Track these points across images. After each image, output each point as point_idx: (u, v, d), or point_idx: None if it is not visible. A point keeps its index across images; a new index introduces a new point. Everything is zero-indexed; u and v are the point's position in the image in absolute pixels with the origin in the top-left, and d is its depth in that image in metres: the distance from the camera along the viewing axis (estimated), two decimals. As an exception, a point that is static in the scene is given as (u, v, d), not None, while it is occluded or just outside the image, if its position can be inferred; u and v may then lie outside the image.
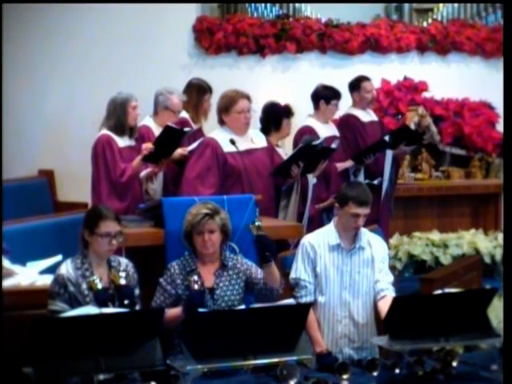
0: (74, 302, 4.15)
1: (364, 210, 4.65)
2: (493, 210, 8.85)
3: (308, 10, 9.15)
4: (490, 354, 4.33)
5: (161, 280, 4.56)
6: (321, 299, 4.70)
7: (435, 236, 8.37)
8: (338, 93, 6.96)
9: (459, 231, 8.53)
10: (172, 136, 6.06)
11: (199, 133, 6.87)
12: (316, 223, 6.24)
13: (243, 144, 5.76)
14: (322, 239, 4.74)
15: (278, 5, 9.06)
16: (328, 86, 7.01)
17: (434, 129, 8.79)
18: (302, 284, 4.71)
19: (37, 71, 8.50)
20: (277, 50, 8.88)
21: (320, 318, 4.70)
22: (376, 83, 7.74)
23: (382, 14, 9.47)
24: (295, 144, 6.72)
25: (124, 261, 4.43)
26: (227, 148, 5.68)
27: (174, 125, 6.23)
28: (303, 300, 4.66)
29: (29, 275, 4.83)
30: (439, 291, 4.54)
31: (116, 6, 8.40)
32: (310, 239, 4.77)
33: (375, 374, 4.13)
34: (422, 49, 9.21)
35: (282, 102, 7.01)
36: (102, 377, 3.71)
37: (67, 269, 4.24)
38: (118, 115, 6.02)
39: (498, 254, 8.05)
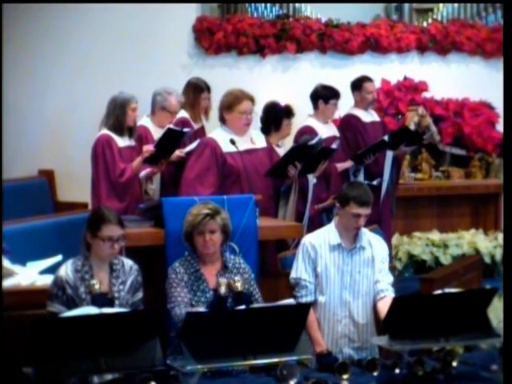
0: (72, 305, 4.14)
1: (365, 210, 4.66)
2: (493, 210, 8.85)
3: (308, 10, 9.15)
4: (489, 354, 4.33)
5: (169, 281, 4.52)
6: (321, 299, 4.70)
7: (435, 236, 8.37)
8: (336, 92, 6.96)
9: (459, 231, 8.53)
10: (172, 137, 6.07)
11: (201, 132, 6.87)
12: (316, 223, 6.24)
13: (243, 144, 5.76)
14: (323, 239, 4.74)
15: (277, 5, 9.06)
16: (326, 86, 7.00)
17: (433, 129, 8.79)
18: (302, 284, 4.71)
19: (37, 71, 8.50)
20: (277, 50, 8.88)
21: (320, 318, 4.70)
22: (376, 83, 7.73)
23: (382, 14, 9.47)
24: (295, 144, 6.73)
25: (128, 263, 4.38)
26: (226, 148, 5.68)
27: (174, 127, 6.24)
28: (303, 300, 4.66)
29: (29, 275, 4.82)
30: (439, 291, 4.53)
31: (116, 6, 8.40)
32: (310, 239, 4.77)
33: (375, 374, 4.13)
34: (421, 49, 9.22)
35: (282, 102, 7.02)
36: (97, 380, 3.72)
37: (66, 271, 4.22)
38: (117, 115, 6.02)
39: (498, 254, 8.05)
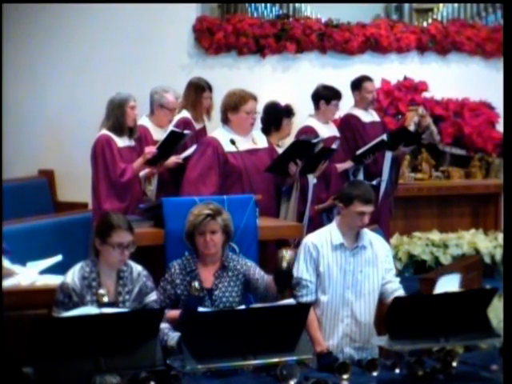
0: None
1: (369, 208, 4.67)
2: (493, 210, 8.85)
3: (308, 9, 9.15)
4: (489, 354, 4.33)
5: (162, 279, 4.57)
6: (323, 298, 4.70)
7: (435, 236, 8.37)
8: (338, 93, 6.96)
9: (459, 231, 8.53)
10: (174, 139, 6.07)
11: (203, 132, 6.87)
12: (316, 224, 6.24)
13: (244, 144, 5.76)
14: (325, 239, 4.74)
15: (277, 5, 9.06)
16: (328, 86, 7.00)
17: (434, 129, 8.79)
18: (303, 283, 4.71)
19: (37, 71, 8.50)
20: (277, 50, 8.88)
21: (322, 318, 4.70)
22: (376, 83, 7.74)
23: (382, 14, 9.48)
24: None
25: (137, 269, 4.33)
26: (228, 147, 5.68)
27: (176, 129, 6.23)
28: (304, 299, 4.66)
29: (29, 275, 4.82)
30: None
31: (116, 6, 8.40)
32: (312, 239, 4.77)
33: (375, 374, 4.13)
34: (422, 49, 9.22)
35: (283, 102, 7.02)
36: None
37: (73, 278, 4.18)
38: (117, 115, 6.01)
39: (498, 254, 8.05)
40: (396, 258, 8.03)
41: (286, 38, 8.86)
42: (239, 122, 5.72)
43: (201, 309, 4.28)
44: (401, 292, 4.71)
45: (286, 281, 4.44)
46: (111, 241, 4.17)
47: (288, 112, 6.78)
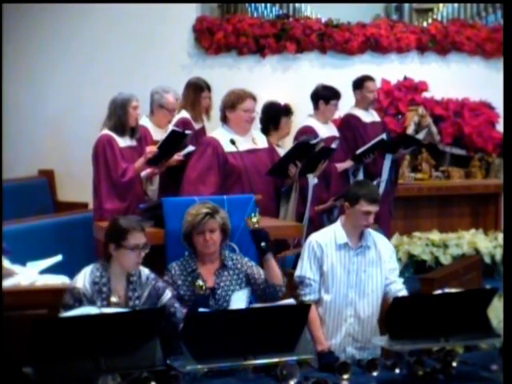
0: None
1: (375, 208, 4.68)
2: (493, 210, 8.85)
3: (308, 10, 9.15)
4: (489, 354, 4.33)
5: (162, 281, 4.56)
6: (327, 297, 4.70)
7: (435, 236, 8.36)
8: (337, 93, 6.96)
9: (459, 231, 8.52)
10: (175, 139, 6.07)
11: (202, 132, 6.87)
12: (316, 224, 6.24)
13: (244, 144, 5.76)
14: (329, 238, 4.74)
15: (277, 5, 9.06)
16: (327, 86, 7.00)
17: (433, 129, 8.79)
18: (306, 282, 4.71)
19: (37, 71, 8.50)
20: (277, 50, 8.88)
21: (325, 317, 4.70)
22: (376, 83, 7.73)
23: (382, 14, 9.48)
24: (295, 144, 6.72)
25: (145, 273, 4.34)
26: (228, 147, 5.69)
27: (177, 128, 6.23)
28: (307, 298, 4.67)
29: (29, 275, 4.82)
30: (439, 291, 4.53)
31: (116, 6, 8.41)
32: (317, 238, 4.77)
33: (375, 373, 4.13)
34: (422, 49, 9.22)
35: (283, 102, 7.01)
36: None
37: (84, 283, 4.18)
38: (119, 115, 6.02)
39: (498, 254, 8.04)
40: (396, 257, 8.02)
41: (286, 37, 8.86)
42: (237, 121, 5.74)
43: (201, 309, 4.29)
44: (404, 292, 4.73)
45: (260, 236, 4.56)
46: (128, 243, 4.17)
47: (286, 111, 6.77)
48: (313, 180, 6.46)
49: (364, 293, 4.72)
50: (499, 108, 8.78)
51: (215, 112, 6.44)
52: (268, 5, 9.04)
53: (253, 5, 9.01)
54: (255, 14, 9.00)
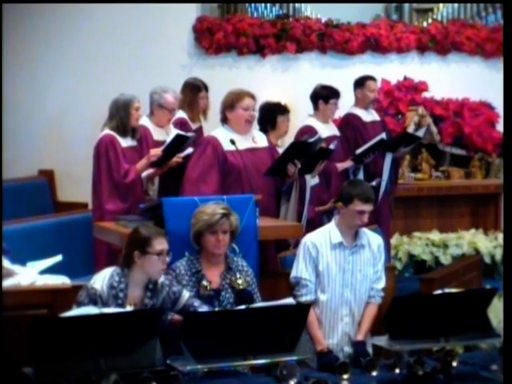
0: None
1: (369, 207, 4.69)
2: (493, 210, 8.85)
3: (308, 10, 9.15)
4: (489, 354, 4.33)
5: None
6: (323, 297, 4.70)
7: (435, 236, 8.36)
8: (336, 91, 6.95)
9: (459, 231, 8.53)
10: (179, 142, 6.08)
11: (199, 132, 6.87)
12: (316, 224, 6.22)
13: (244, 143, 5.76)
14: (324, 238, 4.75)
15: (277, 5, 9.06)
16: (326, 86, 6.99)
17: (434, 129, 8.79)
18: (302, 283, 4.72)
19: (37, 71, 8.50)
20: (277, 50, 8.88)
21: (322, 317, 4.70)
22: (377, 83, 7.72)
23: (382, 14, 9.48)
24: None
25: (160, 280, 4.32)
26: (228, 146, 5.68)
27: (182, 132, 6.24)
28: (303, 299, 4.67)
29: (29, 275, 4.82)
30: (439, 291, 4.54)
31: (116, 6, 8.41)
32: (311, 238, 4.78)
33: (374, 373, 4.13)
34: (422, 49, 9.22)
35: (283, 102, 7.00)
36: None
37: (102, 285, 4.18)
38: (121, 116, 6.01)
39: (498, 254, 8.04)
40: (396, 257, 8.04)
41: (286, 38, 8.86)
42: (236, 120, 5.74)
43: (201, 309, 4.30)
44: (373, 300, 4.78)
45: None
46: (153, 250, 4.20)
47: (282, 109, 6.73)
48: (314, 180, 6.45)
49: (360, 292, 4.74)
50: (499, 108, 8.78)
51: (212, 112, 6.45)
52: (268, 5, 9.04)
53: (253, 5, 9.01)
54: (255, 14, 9.00)
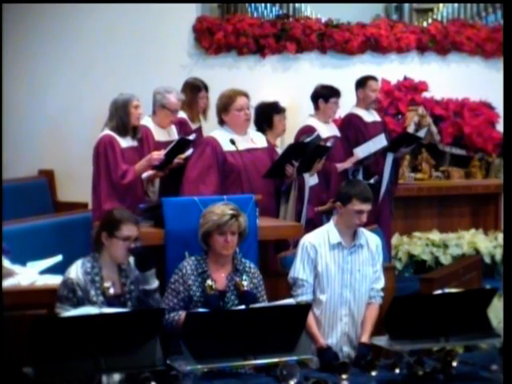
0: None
1: (367, 206, 4.69)
2: (493, 210, 8.85)
3: (308, 10, 9.15)
4: (489, 354, 4.33)
5: (172, 281, 4.54)
6: (322, 298, 4.71)
7: (435, 236, 8.36)
8: (336, 91, 6.96)
9: (459, 231, 8.53)
10: (182, 145, 6.08)
11: (198, 133, 6.86)
12: (316, 224, 6.22)
13: (243, 143, 5.76)
14: (323, 238, 4.75)
15: (277, 5, 9.06)
16: (326, 85, 7.00)
17: (434, 129, 8.79)
18: (299, 283, 4.73)
19: (37, 71, 8.50)
20: (277, 50, 8.88)
21: (321, 317, 4.71)
22: (379, 83, 7.72)
23: (382, 14, 9.48)
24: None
25: (131, 259, 4.37)
26: (227, 147, 5.68)
27: (185, 136, 6.23)
28: (299, 298, 4.67)
29: (29, 275, 4.82)
30: (439, 291, 4.54)
31: (116, 6, 8.40)
32: (310, 239, 4.78)
33: (374, 373, 4.13)
34: (422, 49, 9.22)
35: (282, 102, 7.00)
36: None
37: (77, 273, 4.22)
38: (120, 116, 6.01)
39: (498, 254, 8.05)
40: (396, 257, 8.04)
41: (286, 38, 8.86)
42: (233, 121, 5.74)
43: (200, 309, 4.29)
44: (374, 300, 4.79)
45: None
46: (120, 234, 4.23)
47: (277, 109, 6.71)
48: (314, 180, 6.45)
49: (359, 292, 4.74)
50: (499, 108, 8.78)
51: (212, 112, 6.44)
52: (268, 5, 9.04)
53: (253, 5, 9.01)
54: (255, 14, 9.00)
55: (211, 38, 8.71)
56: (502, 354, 4.10)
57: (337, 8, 9.06)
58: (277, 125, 6.64)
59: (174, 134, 6.41)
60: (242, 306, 4.39)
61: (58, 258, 4.95)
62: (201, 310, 4.29)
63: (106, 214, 4.40)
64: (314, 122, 6.92)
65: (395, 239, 8.25)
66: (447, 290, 4.58)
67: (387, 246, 6.94)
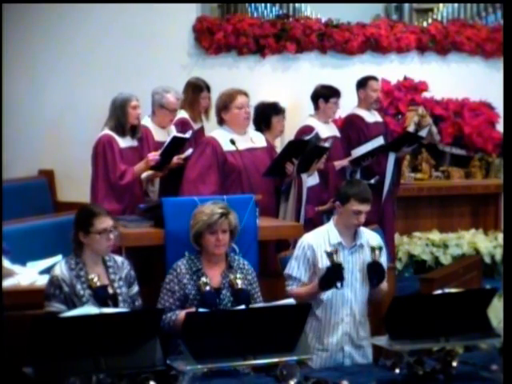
0: (70, 303, 4.16)
1: (366, 207, 4.69)
2: (493, 210, 8.85)
3: (308, 10, 9.15)
4: (489, 354, 4.33)
5: (167, 281, 4.55)
6: (323, 298, 4.70)
7: (435, 236, 8.37)
8: (336, 91, 6.96)
9: (459, 231, 8.53)
10: (177, 144, 6.07)
11: (200, 132, 6.86)
12: (316, 224, 6.22)
13: (243, 143, 5.76)
14: (323, 238, 4.75)
15: (277, 5, 9.06)
16: (326, 85, 7.00)
17: (434, 129, 8.79)
18: (292, 280, 4.74)
19: (37, 71, 8.50)
20: (277, 50, 8.88)
21: (322, 316, 4.70)
22: (379, 83, 7.72)
23: (382, 14, 9.48)
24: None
25: (119, 259, 4.44)
26: (227, 147, 5.69)
27: (179, 134, 6.23)
28: (289, 288, 4.70)
29: (29, 275, 4.83)
30: (439, 291, 4.54)
31: (116, 6, 8.40)
32: (309, 239, 4.78)
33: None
34: (422, 49, 9.22)
35: (283, 102, 7.00)
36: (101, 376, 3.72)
37: (61, 270, 4.26)
38: (118, 116, 6.01)
39: (498, 254, 8.05)
40: (396, 258, 8.04)
41: (286, 38, 8.86)
42: (233, 120, 5.74)
43: (203, 308, 4.30)
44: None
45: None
46: (96, 229, 4.26)
47: (276, 109, 6.71)
48: (314, 179, 6.45)
49: (360, 291, 4.73)
50: (499, 108, 8.78)
51: (214, 112, 6.44)
52: (268, 5, 9.04)
53: (253, 5, 9.01)
54: (255, 14, 9.00)
55: (211, 38, 8.70)
56: (501, 353, 4.10)
57: (337, 8, 9.06)
58: (275, 125, 6.64)
59: (172, 134, 6.42)
60: (242, 306, 4.40)
61: (58, 258, 4.95)
62: (201, 309, 4.30)
63: (77, 214, 4.43)
64: (314, 122, 6.91)
65: (395, 239, 8.25)
66: (447, 290, 4.57)
67: (390, 247, 6.94)
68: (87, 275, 4.24)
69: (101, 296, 4.18)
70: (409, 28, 9.22)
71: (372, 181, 6.88)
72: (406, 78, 9.06)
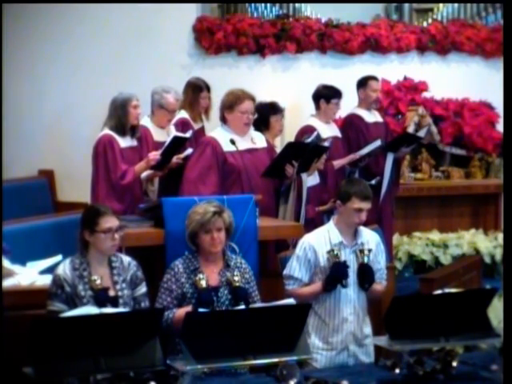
0: (71, 303, 4.16)
1: (367, 205, 4.69)
2: (493, 210, 8.86)
3: (308, 10, 9.15)
4: (489, 354, 4.33)
5: (164, 280, 4.56)
6: (327, 297, 4.70)
7: (435, 236, 8.37)
8: (338, 91, 6.96)
9: (459, 231, 8.53)
10: (177, 144, 6.07)
11: (201, 132, 6.86)
12: (316, 224, 6.22)
13: (243, 144, 5.76)
14: (324, 238, 4.74)
15: (277, 5, 9.06)
16: (328, 86, 7.01)
17: (434, 129, 8.79)
18: (292, 280, 4.74)
19: (37, 71, 8.49)
20: (277, 50, 8.88)
21: (326, 316, 4.70)
22: (380, 83, 7.72)
23: (382, 14, 9.48)
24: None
25: (127, 259, 4.41)
26: (227, 147, 5.69)
27: (180, 134, 6.23)
28: (290, 287, 4.70)
29: (29, 275, 4.83)
30: (439, 291, 4.54)
31: (116, 6, 8.40)
32: (310, 240, 4.78)
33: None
34: (422, 49, 9.22)
35: (282, 102, 6.99)
36: (100, 376, 3.72)
37: (64, 269, 4.26)
38: (119, 115, 6.01)
39: (498, 254, 8.05)
40: (396, 257, 8.04)
41: (286, 38, 8.85)
42: (234, 121, 5.74)
43: (204, 306, 4.30)
44: (380, 280, 4.82)
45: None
46: (101, 228, 4.27)
47: (274, 109, 6.70)
48: (315, 179, 6.45)
49: (362, 290, 4.73)
50: (499, 108, 8.78)
51: (214, 112, 6.44)
52: (268, 5, 9.04)
53: (253, 5, 9.01)
54: (255, 14, 9.00)
55: (211, 38, 8.70)
56: (501, 353, 4.10)
57: (337, 8, 9.06)
58: (274, 125, 6.64)
59: (172, 134, 6.42)
60: (241, 304, 4.40)
61: (58, 257, 4.95)
62: (200, 309, 4.30)
63: (83, 213, 4.45)
64: (315, 122, 6.92)
65: (395, 239, 8.25)
66: (447, 290, 4.57)
67: (389, 246, 6.94)
68: (90, 276, 4.23)
69: (101, 299, 4.17)
70: (409, 28, 9.22)
71: (373, 182, 6.88)
72: (405, 78, 9.06)
